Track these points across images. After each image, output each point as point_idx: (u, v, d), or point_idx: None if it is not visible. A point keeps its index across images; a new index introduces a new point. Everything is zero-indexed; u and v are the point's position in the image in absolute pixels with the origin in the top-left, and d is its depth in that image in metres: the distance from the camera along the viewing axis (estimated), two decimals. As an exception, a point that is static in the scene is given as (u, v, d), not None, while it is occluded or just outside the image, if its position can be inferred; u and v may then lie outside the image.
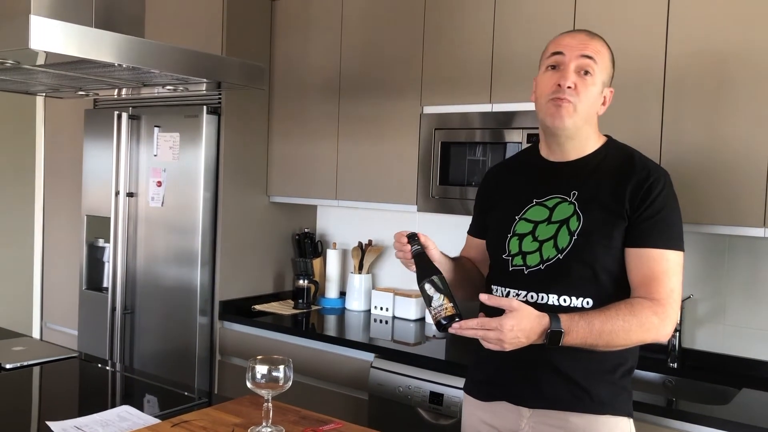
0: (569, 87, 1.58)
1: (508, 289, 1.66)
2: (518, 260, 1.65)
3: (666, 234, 1.56)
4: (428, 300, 1.53)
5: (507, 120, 2.60)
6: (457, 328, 1.48)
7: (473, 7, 2.67)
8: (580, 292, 1.59)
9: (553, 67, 1.62)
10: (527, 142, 2.53)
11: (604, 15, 2.37)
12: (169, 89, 1.93)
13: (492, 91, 2.63)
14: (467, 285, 1.81)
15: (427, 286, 1.53)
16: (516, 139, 2.56)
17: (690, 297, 2.48)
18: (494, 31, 2.62)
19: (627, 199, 1.58)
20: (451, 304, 1.51)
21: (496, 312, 1.49)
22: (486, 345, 1.47)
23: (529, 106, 2.50)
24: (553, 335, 1.46)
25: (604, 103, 1.66)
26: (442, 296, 1.52)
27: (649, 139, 2.27)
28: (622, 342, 1.52)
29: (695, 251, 2.49)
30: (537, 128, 2.54)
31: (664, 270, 1.55)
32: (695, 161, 2.21)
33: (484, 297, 1.50)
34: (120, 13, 1.77)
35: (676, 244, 1.57)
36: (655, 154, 2.25)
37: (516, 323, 1.44)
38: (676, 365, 2.44)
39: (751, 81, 2.13)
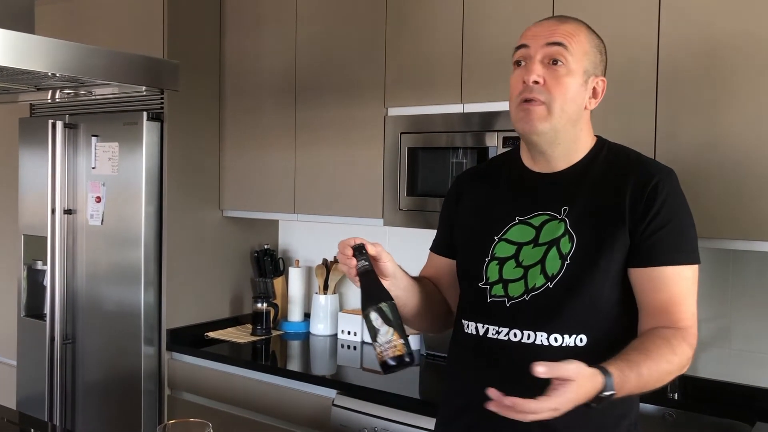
0: (536, 82, 1.32)
1: (486, 326, 1.38)
2: (498, 289, 1.38)
3: (680, 246, 1.31)
4: (373, 333, 1.25)
5: (480, 122, 2.31)
6: (494, 407, 1.10)
7: (440, -5, 2.38)
8: (573, 328, 1.31)
9: (519, 63, 1.37)
10: (503, 147, 2.24)
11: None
12: (68, 93, 1.62)
13: (463, 90, 2.34)
14: (428, 314, 1.51)
15: (374, 316, 1.25)
16: (491, 143, 2.28)
17: (691, 319, 2.20)
18: (464, 22, 2.33)
19: (627, 210, 1.31)
20: (402, 341, 1.23)
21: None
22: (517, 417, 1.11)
23: (505, 106, 2.22)
24: (602, 398, 1.14)
25: (595, 96, 1.38)
26: (391, 330, 1.23)
27: (641, 138, 1.99)
28: (657, 386, 1.25)
29: (696, 267, 2.21)
30: (514, 130, 2.32)
31: (683, 290, 1.30)
32: (695, 165, 1.94)
33: (540, 370, 1.08)
34: (3, 5, 1.46)
35: (692, 256, 1.33)
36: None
37: (575, 396, 1.10)
38: (676, 396, 2.17)
39: (756, 72, 1.85)
